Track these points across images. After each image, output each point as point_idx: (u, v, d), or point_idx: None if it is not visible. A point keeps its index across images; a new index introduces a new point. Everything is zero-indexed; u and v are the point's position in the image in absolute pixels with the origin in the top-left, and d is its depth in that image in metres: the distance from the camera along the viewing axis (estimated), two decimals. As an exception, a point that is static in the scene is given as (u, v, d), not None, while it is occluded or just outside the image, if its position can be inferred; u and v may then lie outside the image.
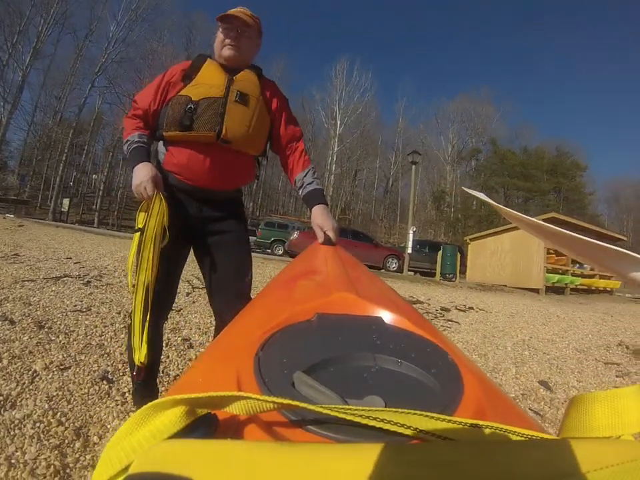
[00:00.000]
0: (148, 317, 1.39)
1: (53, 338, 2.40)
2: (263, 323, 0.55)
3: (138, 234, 1.41)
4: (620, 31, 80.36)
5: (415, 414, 0.32)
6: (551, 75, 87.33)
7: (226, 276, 1.58)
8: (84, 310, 3.06)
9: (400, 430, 0.31)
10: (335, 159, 41.47)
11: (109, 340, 2.53)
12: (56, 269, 4.52)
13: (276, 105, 1.62)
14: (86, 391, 1.89)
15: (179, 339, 2.79)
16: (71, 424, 1.62)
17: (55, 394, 1.80)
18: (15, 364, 2.00)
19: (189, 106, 1.44)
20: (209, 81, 1.49)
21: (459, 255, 14.44)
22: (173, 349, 2.60)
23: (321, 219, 1.45)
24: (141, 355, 1.37)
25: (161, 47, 34.77)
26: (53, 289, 3.59)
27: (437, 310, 5.57)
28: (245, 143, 1.53)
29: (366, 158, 45.13)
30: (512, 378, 3.01)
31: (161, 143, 1.58)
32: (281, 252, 17.84)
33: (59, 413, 1.66)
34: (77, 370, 2.07)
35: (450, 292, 8.95)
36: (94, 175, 36.24)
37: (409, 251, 14.55)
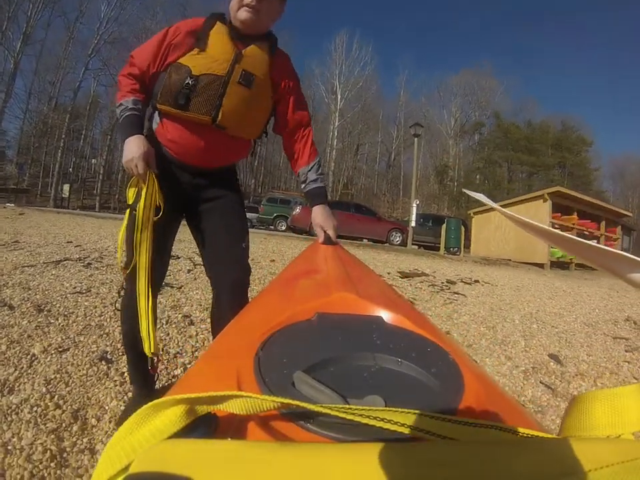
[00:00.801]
0: (151, 302, 1.33)
1: (52, 321, 2.36)
2: (263, 322, 0.55)
3: (128, 210, 1.35)
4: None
5: (415, 413, 0.32)
6: (555, 50, 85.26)
7: (220, 241, 1.51)
8: (84, 291, 3.01)
9: (400, 429, 0.31)
10: (336, 133, 41.18)
11: (108, 320, 2.49)
12: (56, 253, 4.47)
13: (285, 85, 1.50)
14: (84, 372, 1.85)
15: (180, 315, 2.75)
16: (69, 407, 1.58)
17: (53, 377, 1.76)
18: (14, 349, 1.96)
19: (186, 81, 1.32)
20: (213, 52, 1.35)
21: (463, 229, 14.31)
22: (174, 326, 2.56)
23: (321, 218, 1.43)
24: (152, 345, 1.31)
25: (154, 25, 33.66)
26: (53, 272, 3.54)
27: (442, 282, 5.51)
28: (241, 129, 1.45)
29: (367, 132, 44.71)
30: (521, 351, 2.96)
31: (156, 114, 1.47)
32: (284, 227, 17.72)
33: (56, 396, 1.63)
34: (76, 351, 2.03)
35: (455, 265, 8.89)
36: (93, 160, 36.11)
37: (413, 224, 14.45)
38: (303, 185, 1.57)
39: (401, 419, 0.31)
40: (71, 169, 34.67)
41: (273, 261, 5.37)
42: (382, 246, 12.65)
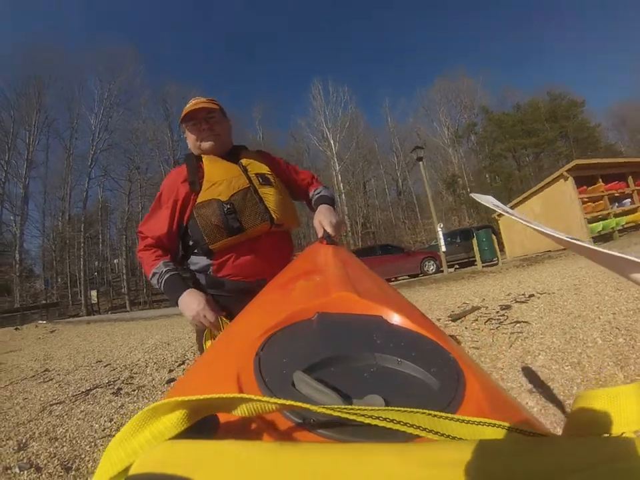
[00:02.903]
0: None
1: None
2: (263, 322, 0.55)
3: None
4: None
5: (416, 412, 0.32)
6: (512, 27, 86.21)
7: None
8: (113, 433, 2.72)
9: (401, 429, 0.31)
10: (340, 177, 41.82)
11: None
12: (85, 379, 4.32)
13: (280, 168, 1.61)
14: None
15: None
16: None
17: None
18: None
19: (225, 207, 1.34)
20: (222, 176, 1.40)
21: (494, 237, 13.77)
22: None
23: (322, 215, 1.38)
24: None
25: (142, 124, 37.19)
26: (82, 408, 3.33)
27: (497, 311, 5.00)
28: (290, 219, 1.51)
29: (369, 167, 45.39)
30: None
31: (197, 258, 1.45)
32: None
33: None
34: None
35: (499, 280, 8.33)
36: (115, 260, 37.88)
37: (443, 249, 13.83)
38: (313, 201, 1.59)
39: (402, 418, 0.31)
40: (96, 273, 36.37)
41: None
42: (418, 280, 12.18)
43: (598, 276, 6.48)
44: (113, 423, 2.97)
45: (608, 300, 4.61)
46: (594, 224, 12.34)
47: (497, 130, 42.09)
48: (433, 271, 15.53)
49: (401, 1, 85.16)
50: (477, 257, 13.08)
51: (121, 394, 3.68)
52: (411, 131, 45.81)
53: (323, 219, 1.36)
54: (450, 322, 4.90)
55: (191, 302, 1.30)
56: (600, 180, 13.04)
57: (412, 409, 0.31)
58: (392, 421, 0.31)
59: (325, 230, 1.33)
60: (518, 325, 4.24)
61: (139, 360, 4.99)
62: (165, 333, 6.25)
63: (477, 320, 4.78)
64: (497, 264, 12.87)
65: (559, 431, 0.34)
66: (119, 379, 4.22)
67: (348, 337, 0.49)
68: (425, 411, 0.32)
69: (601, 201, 12.89)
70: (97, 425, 2.93)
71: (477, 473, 0.23)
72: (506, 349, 3.54)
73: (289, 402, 0.31)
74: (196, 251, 1.42)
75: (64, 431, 2.85)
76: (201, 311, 1.29)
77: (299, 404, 0.31)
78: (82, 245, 33.14)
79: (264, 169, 1.49)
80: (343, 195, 40.98)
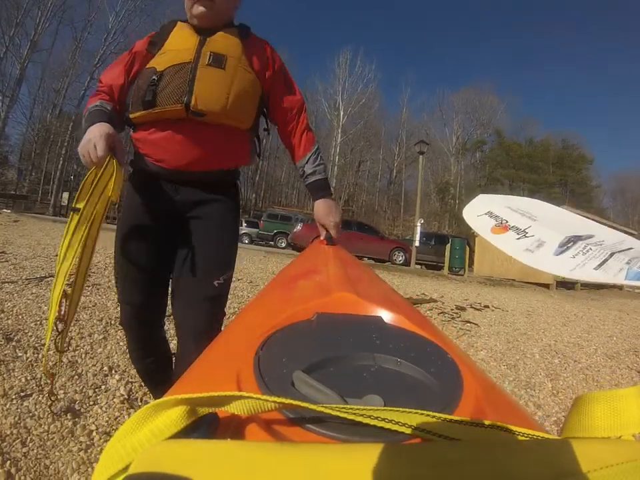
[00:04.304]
0: (62, 324, 1.25)
1: (20, 354, 2.04)
2: (263, 322, 0.55)
3: (76, 215, 1.11)
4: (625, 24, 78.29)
5: (415, 413, 0.32)
6: (554, 69, 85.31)
7: (190, 272, 1.28)
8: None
9: (400, 429, 0.31)
10: (338, 150, 41.03)
11: (82, 356, 2.16)
12: (42, 267, 4.20)
13: (266, 69, 1.34)
14: (45, 428, 1.53)
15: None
16: (22, 477, 1.28)
17: (8, 432, 1.45)
18: (-32, 391, 1.64)
19: (152, 78, 1.20)
20: (176, 46, 1.25)
21: (467, 248, 14.03)
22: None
23: (322, 214, 1.33)
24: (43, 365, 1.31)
25: None
26: (34, 291, 3.26)
27: (452, 309, 5.20)
28: (224, 114, 1.23)
29: (369, 149, 44.63)
30: (549, 395, 2.67)
31: (132, 130, 1.34)
32: (284, 244, 17.37)
33: (9, 461, 1.32)
34: (40, 398, 1.70)
35: (461, 287, 8.61)
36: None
37: (417, 244, 14.06)
38: (302, 179, 1.44)
39: (401, 419, 0.31)
40: (72, 177, 34.24)
41: (273, 282, 5.05)
42: (385, 265, 12.34)
43: (550, 309, 6.78)
44: (63, 308, 2.92)
45: (554, 329, 4.89)
46: (561, 270, 12.73)
47: (504, 156, 42.40)
48: (401, 262, 15.61)
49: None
50: (446, 262, 13.35)
51: (75, 287, 3.61)
52: (421, 128, 45.42)
53: (326, 223, 1.32)
54: (407, 304, 5.05)
55: (94, 130, 1.12)
56: (579, 236, 13.38)
57: (410, 410, 0.32)
58: (391, 421, 0.31)
59: (327, 232, 1.31)
60: (468, 324, 4.45)
61: (98, 262, 4.90)
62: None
63: (431, 310, 4.97)
64: (462, 274, 13.17)
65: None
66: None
67: (347, 337, 0.49)
68: (423, 411, 0.32)
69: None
70: (45, 307, 2.90)
71: (475, 475, 0.23)
72: (452, 338, 3.70)
73: (288, 401, 0.31)
74: (125, 117, 1.31)
75: (11, 306, 2.80)
76: (95, 139, 1.09)
77: (298, 403, 0.31)
78: (65, 144, 31.07)
79: (230, 51, 1.26)
80: (336, 168, 40.38)
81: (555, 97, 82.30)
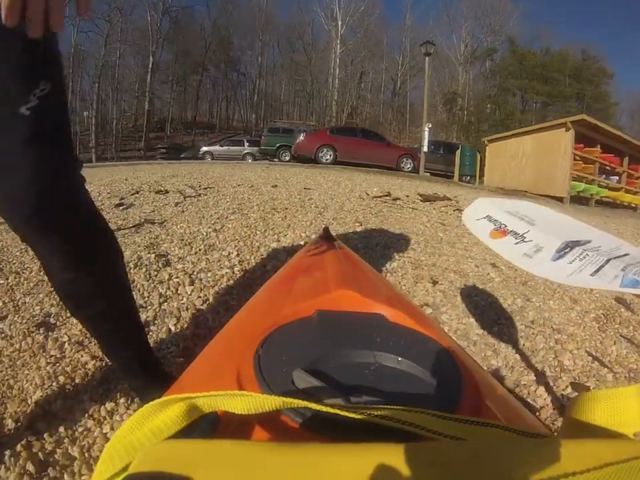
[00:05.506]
0: None
1: (1, 281, 1.96)
2: (263, 319, 0.55)
3: None
4: None
5: (415, 411, 0.32)
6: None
7: None
8: None
9: (400, 427, 0.31)
10: (338, 62, 38.73)
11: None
12: None
13: None
14: (17, 346, 1.45)
15: (153, 255, 2.27)
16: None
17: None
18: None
19: None
20: None
21: (478, 155, 13.20)
22: (143, 269, 2.07)
23: None
24: None
25: None
26: None
27: (468, 206, 4.63)
28: None
29: (371, 59, 41.97)
30: (585, 292, 2.38)
31: None
32: (287, 157, 16.50)
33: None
34: (15, 318, 1.62)
35: (473, 193, 8.10)
36: (85, 112, 34.04)
37: (425, 149, 13.25)
38: None
39: (400, 417, 0.31)
40: None
41: (275, 186, 4.59)
42: (393, 172, 11.72)
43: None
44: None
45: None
46: (577, 182, 12.05)
47: (516, 65, 39.50)
48: (409, 169, 14.64)
49: None
50: (456, 169, 12.64)
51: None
52: (427, 36, 42.33)
53: None
54: (419, 201, 4.71)
55: None
56: (599, 146, 12.58)
57: (411, 408, 0.31)
58: (391, 419, 0.31)
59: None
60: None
61: (92, 191, 4.35)
62: (126, 173, 5.81)
63: (446, 206, 4.60)
64: (472, 182, 12.52)
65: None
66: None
67: (348, 335, 0.49)
68: (423, 410, 0.31)
69: (592, 165, 12.54)
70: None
71: (475, 473, 0.22)
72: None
73: (289, 400, 0.31)
74: None
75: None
76: None
77: (299, 402, 0.31)
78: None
79: None
80: (337, 80, 38.56)
81: (575, 7, 76.06)
